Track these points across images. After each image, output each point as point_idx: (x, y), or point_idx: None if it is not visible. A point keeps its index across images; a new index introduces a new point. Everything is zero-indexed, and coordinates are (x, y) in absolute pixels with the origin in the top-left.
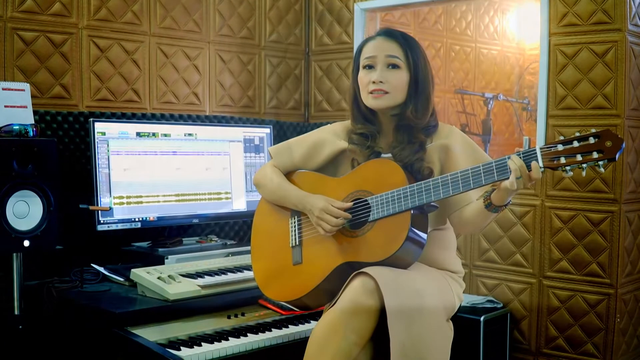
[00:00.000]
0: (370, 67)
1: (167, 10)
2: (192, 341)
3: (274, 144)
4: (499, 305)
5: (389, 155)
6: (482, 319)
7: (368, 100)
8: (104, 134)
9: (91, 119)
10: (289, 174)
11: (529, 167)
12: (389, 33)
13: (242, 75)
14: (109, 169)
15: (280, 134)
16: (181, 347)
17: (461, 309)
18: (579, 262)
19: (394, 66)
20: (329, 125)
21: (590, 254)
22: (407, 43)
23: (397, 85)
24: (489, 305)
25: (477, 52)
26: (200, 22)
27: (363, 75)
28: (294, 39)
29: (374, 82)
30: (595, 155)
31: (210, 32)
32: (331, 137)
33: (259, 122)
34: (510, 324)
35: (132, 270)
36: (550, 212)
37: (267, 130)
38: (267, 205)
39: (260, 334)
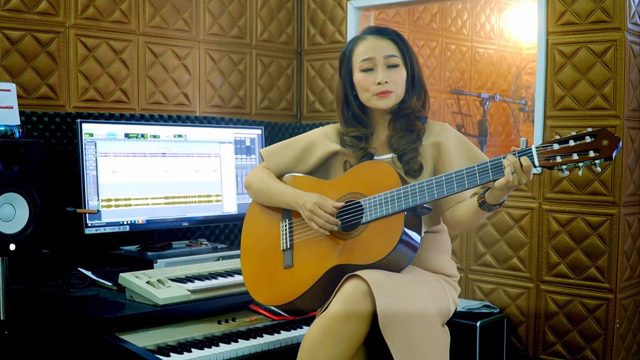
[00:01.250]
0: (369, 69)
1: (156, 9)
2: (182, 347)
3: (265, 146)
4: (495, 310)
5: (383, 157)
6: (478, 324)
7: (372, 102)
8: (91, 135)
9: (78, 120)
10: (279, 177)
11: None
12: (380, 31)
13: (232, 75)
14: (97, 171)
15: (272, 135)
16: (170, 353)
17: (457, 314)
18: (577, 266)
19: (394, 65)
20: (320, 127)
21: (588, 258)
22: (400, 39)
23: (399, 83)
24: (485, 310)
25: (473, 51)
26: (190, 21)
27: (363, 78)
28: (285, 38)
29: (379, 84)
30: (591, 154)
31: (200, 31)
32: (323, 139)
33: (250, 123)
34: (507, 329)
35: (121, 274)
36: (548, 215)
37: (259, 132)
38: (258, 208)
39: (251, 339)
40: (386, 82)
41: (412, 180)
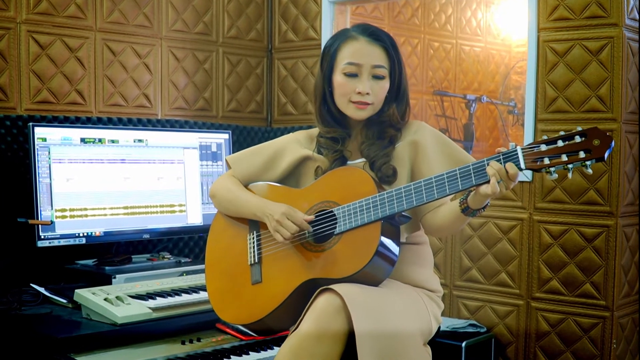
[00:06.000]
0: (353, 75)
1: (114, 3)
2: None
3: (233, 152)
4: (482, 330)
5: (356, 162)
6: (463, 344)
7: (349, 110)
8: (44, 140)
9: (30, 124)
10: (247, 186)
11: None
12: (375, 36)
13: (197, 75)
14: (51, 179)
15: (240, 139)
16: None
17: (441, 334)
18: (571, 281)
19: (380, 77)
20: (291, 133)
21: (583, 273)
22: (393, 49)
23: (380, 95)
24: (471, 329)
25: (458, 49)
26: (152, 16)
27: (344, 82)
28: (255, 35)
29: (359, 93)
30: (582, 154)
31: (163, 27)
32: (293, 145)
33: (216, 127)
34: (495, 350)
35: (76, 290)
36: (539, 226)
37: (226, 136)
38: (224, 219)
39: None
40: (367, 94)
41: (387, 186)
